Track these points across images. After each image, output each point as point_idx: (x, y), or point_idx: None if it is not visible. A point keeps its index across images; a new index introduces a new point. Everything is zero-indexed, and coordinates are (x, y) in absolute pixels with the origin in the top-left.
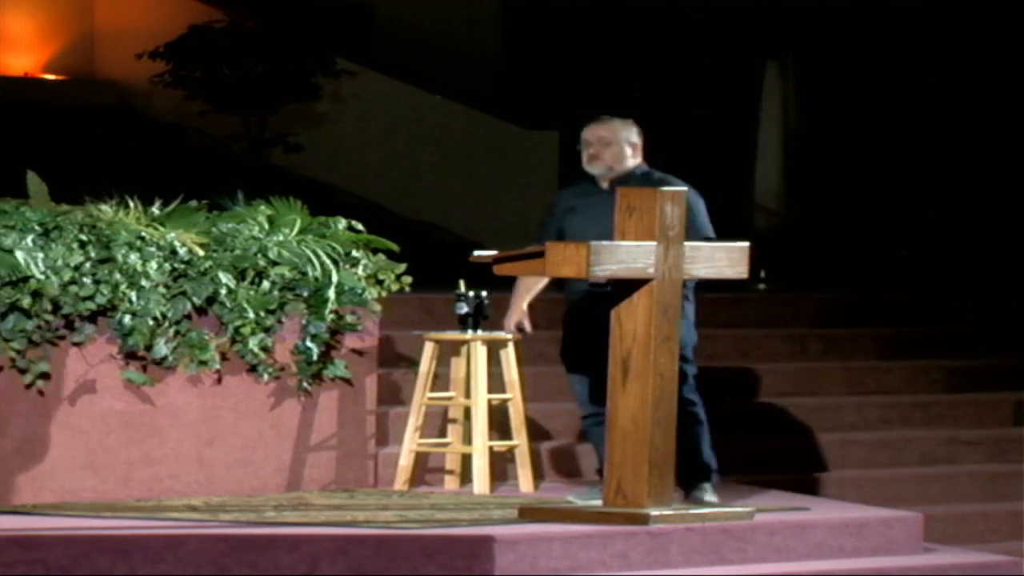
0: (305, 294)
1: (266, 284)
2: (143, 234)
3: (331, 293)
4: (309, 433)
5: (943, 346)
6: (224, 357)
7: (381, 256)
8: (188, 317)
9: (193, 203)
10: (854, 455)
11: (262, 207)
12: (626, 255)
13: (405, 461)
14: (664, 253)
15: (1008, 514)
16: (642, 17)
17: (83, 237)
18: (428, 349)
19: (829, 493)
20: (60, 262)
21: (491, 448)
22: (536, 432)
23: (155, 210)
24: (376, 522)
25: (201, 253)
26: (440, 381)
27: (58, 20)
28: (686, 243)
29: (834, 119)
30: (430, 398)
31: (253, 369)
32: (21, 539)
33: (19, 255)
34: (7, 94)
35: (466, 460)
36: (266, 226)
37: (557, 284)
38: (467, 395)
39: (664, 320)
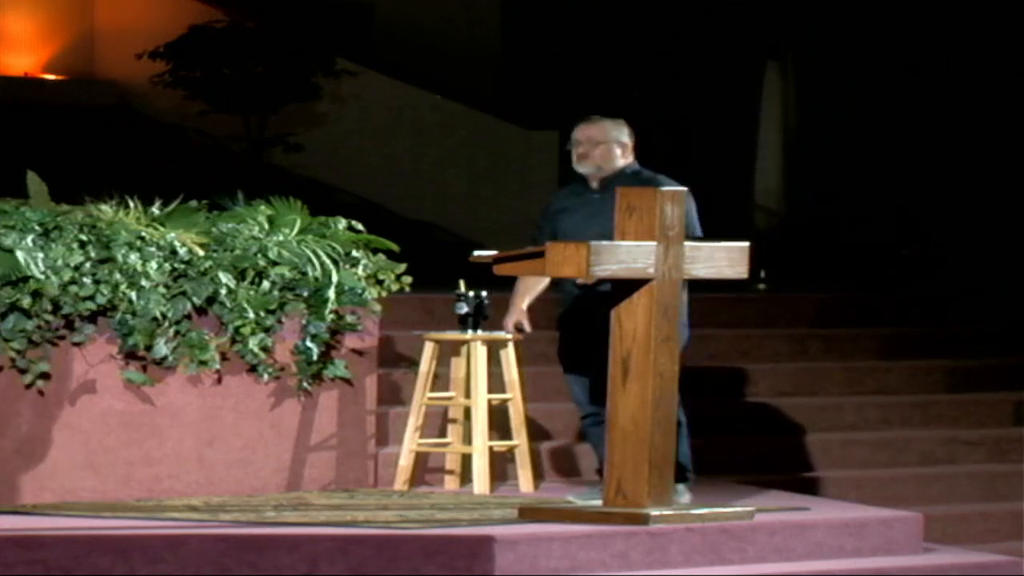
0: (305, 294)
1: (266, 284)
2: (143, 234)
3: (331, 293)
4: (309, 433)
5: (943, 346)
6: (224, 357)
7: (381, 256)
8: (188, 317)
9: (193, 203)
10: (854, 455)
11: (262, 207)
12: (626, 255)
13: (405, 461)
14: (664, 253)
15: (1008, 514)
16: (642, 17)
17: (83, 237)
18: (428, 349)
19: (829, 493)
20: (60, 262)
21: (491, 448)
22: (536, 432)
23: (155, 210)
24: (376, 522)
25: (201, 253)
26: (440, 381)
27: (58, 20)
28: (685, 243)
29: (834, 119)
30: (430, 398)
31: (253, 369)
32: (21, 539)
33: (19, 255)
34: (7, 94)
35: (466, 460)
36: (266, 226)
37: (557, 284)
38: (467, 395)
39: (664, 320)
